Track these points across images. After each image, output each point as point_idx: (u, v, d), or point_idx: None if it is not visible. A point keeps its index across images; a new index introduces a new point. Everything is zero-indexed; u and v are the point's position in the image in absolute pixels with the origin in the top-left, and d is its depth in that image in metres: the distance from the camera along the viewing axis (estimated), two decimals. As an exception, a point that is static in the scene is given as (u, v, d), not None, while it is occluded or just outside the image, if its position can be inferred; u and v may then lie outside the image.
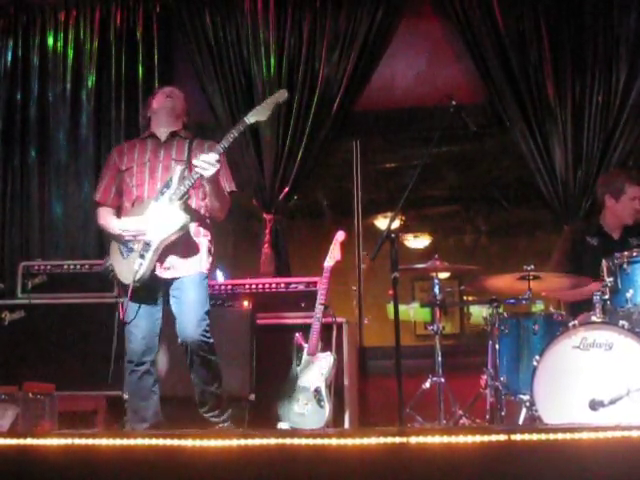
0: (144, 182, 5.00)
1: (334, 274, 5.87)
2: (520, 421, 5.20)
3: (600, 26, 6.78)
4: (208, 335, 4.86)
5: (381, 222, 9.36)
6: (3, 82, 7.50)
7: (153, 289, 4.93)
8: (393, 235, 4.83)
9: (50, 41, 7.51)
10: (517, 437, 3.24)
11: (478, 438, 3.24)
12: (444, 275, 7.14)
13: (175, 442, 3.44)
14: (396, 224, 4.97)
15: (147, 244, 4.82)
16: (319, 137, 7.06)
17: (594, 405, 4.59)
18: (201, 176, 4.77)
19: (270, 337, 6.08)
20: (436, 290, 5.67)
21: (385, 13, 7.08)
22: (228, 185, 5.08)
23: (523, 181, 7.81)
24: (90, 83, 7.42)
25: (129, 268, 4.83)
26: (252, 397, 5.83)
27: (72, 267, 6.50)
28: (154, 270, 4.85)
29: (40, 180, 7.38)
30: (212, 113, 7.27)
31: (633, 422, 3.99)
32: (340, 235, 5.93)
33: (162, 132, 5.13)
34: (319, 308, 5.70)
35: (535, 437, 3.24)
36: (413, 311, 9.22)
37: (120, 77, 7.38)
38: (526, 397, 5.07)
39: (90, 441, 3.52)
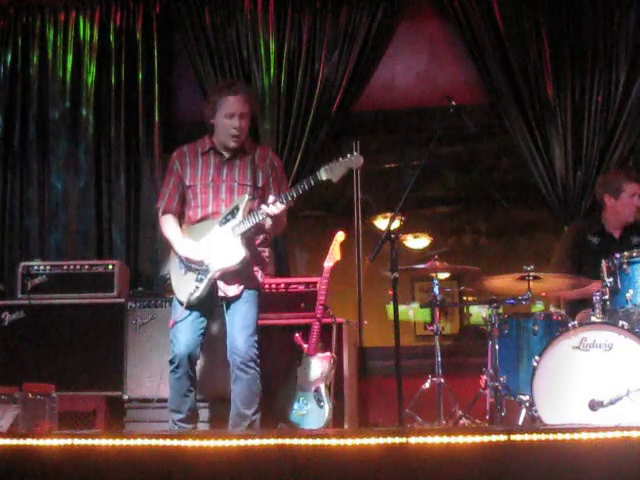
0: (208, 204, 5.11)
1: (334, 274, 5.86)
2: (520, 421, 5.20)
3: (600, 27, 6.78)
4: (256, 352, 5.05)
5: (381, 222, 9.36)
6: (3, 82, 7.50)
7: (207, 304, 5.10)
8: (393, 235, 4.83)
9: (50, 41, 7.50)
10: (517, 437, 3.25)
11: (478, 438, 3.25)
12: (444, 275, 7.14)
13: (175, 442, 3.45)
14: (396, 224, 4.97)
15: (206, 270, 5.01)
16: (319, 137, 7.06)
17: (594, 405, 4.60)
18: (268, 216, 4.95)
19: (270, 337, 6.07)
20: (436, 290, 5.67)
21: (385, 13, 7.09)
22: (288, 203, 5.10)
23: (523, 182, 7.81)
24: (90, 83, 7.40)
25: (185, 286, 5.04)
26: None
27: (72, 268, 6.50)
28: (211, 291, 5.03)
29: (40, 180, 7.37)
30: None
31: (633, 422, 4.00)
32: (340, 235, 5.93)
33: (225, 148, 5.16)
34: (319, 308, 5.70)
35: (535, 437, 3.24)
36: (413, 311, 9.22)
37: (120, 77, 7.37)
38: (526, 397, 5.08)
39: (90, 441, 3.52)
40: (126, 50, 7.39)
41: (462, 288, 7.84)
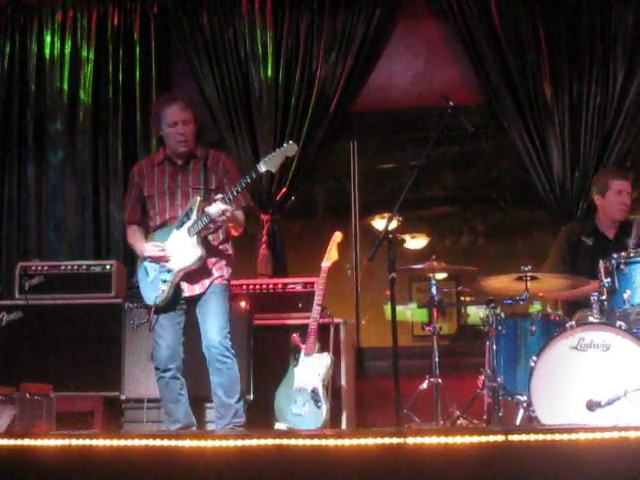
0: (165, 210, 5.33)
1: (331, 275, 5.87)
2: (517, 422, 5.20)
3: (597, 27, 6.79)
4: (230, 343, 5.19)
5: (378, 223, 9.35)
6: (0, 83, 7.49)
7: (175, 304, 5.26)
8: (390, 236, 4.83)
9: (47, 42, 7.50)
10: (514, 438, 3.25)
11: (475, 439, 3.25)
12: (441, 276, 7.14)
13: (172, 443, 3.45)
14: (393, 225, 4.97)
15: (168, 271, 5.20)
16: (316, 138, 7.06)
17: (591, 406, 4.60)
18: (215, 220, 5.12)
19: (267, 338, 6.08)
20: (433, 291, 5.67)
21: (382, 14, 7.09)
22: (244, 201, 5.34)
23: (520, 182, 7.80)
24: (87, 83, 7.41)
25: (152, 290, 5.23)
26: (249, 397, 5.83)
27: (69, 268, 6.50)
28: (176, 291, 5.21)
29: (37, 180, 7.37)
30: (209, 114, 7.25)
31: (630, 423, 3.99)
32: (337, 236, 5.94)
33: (177, 157, 5.35)
34: (316, 309, 5.70)
35: (532, 438, 3.24)
36: (410, 312, 9.22)
37: (117, 78, 7.37)
38: (523, 398, 5.07)
39: (87, 442, 3.52)
40: (124, 50, 7.39)
41: (460, 288, 7.84)
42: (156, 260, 5.22)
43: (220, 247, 5.34)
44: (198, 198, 5.19)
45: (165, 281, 5.18)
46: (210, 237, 5.28)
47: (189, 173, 5.33)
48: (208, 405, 5.69)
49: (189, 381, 5.36)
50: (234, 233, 5.39)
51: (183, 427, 5.19)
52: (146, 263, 5.31)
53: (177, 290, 5.21)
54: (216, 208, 5.03)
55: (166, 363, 5.20)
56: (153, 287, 5.23)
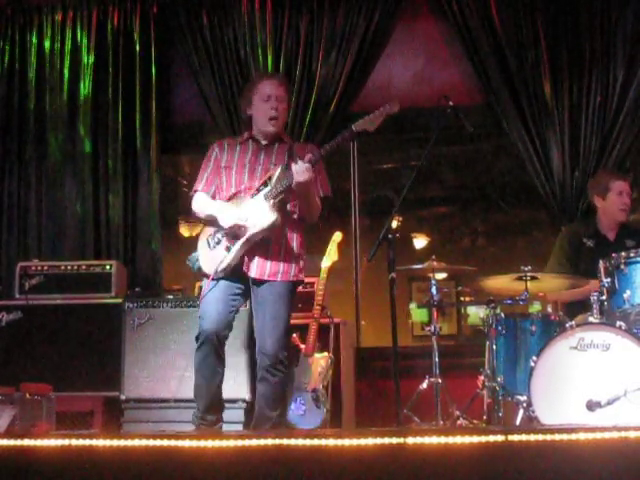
0: (242, 182, 4.97)
1: (331, 275, 5.86)
2: (517, 422, 5.20)
3: (597, 27, 6.78)
4: (285, 354, 4.86)
5: (378, 222, 9.35)
6: (0, 82, 7.49)
7: (237, 278, 4.88)
8: (390, 236, 4.83)
9: (47, 42, 7.49)
10: (514, 438, 3.24)
11: (475, 439, 3.25)
12: (441, 276, 7.14)
13: (172, 443, 3.45)
14: (393, 225, 4.96)
15: (235, 237, 4.82)
16: (316, 138, 7.05)
17: (591, 406, 4.60)
18: (295, 181, 4.74)
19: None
20: (433, 291, 5.67)
21: (382, 14, 7.08)
22: (322, 190, 5.03)
23: (520, 182, 7.81)
24: (87, 84, 7.40)
25: (213, 259, 4.85)
26: (249, 397, 5.83)
27: (69, 268, 6.50)
28: (239, 264, 4.84)
29: (37, 180, 7.36)
30: (209, 113, 7.26)
31: (630, 423, 3.99)
32: (337, 236, 5.94)
33: (263, 137, 5.07)
34: (316, 309, 5.70)
35: (532, 438, 3.24)
36: (411, 311, 9.22)
37: (117, 77, 7.36)
38: (523, 398, 5.07)
39: (87, 442, 3.52)
40: (123, 50, 7.39)
41: (460, 288, 7.83)
42: (226, 226, 4.82)
43: (294, 229, 4.96)
44: (280, 166, 4.84)
45: (230, 248, 4.81)
46: (288, 207, 4.92)
47: (273, 153, 5.03)
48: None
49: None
50: (307, 218, 5.01)
51: (206, 410, 4.84)
52: (209, 236, 4.95)
53: (240, 261, 4.82)
54: (300, 165, 4.68)
55: (207, 335, 4.78)
56: (216, 255, 4.84)
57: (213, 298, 4.84)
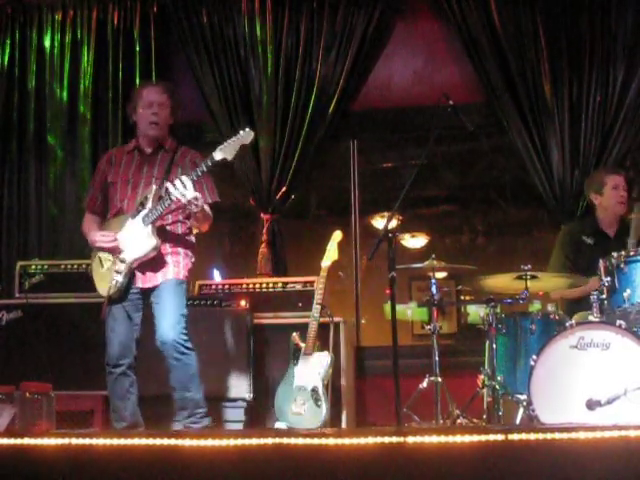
0: (125, 198, 5.23)
1: (331, 274, 5.86)
2: (517, 421, 5.20)
3: (597, 26, 6.78)
4: (185, 338, 5.03)
5: (378, 222, 9.35)
6: (0, 81, 7.49)
7: (130, 297, 5.14)
8: (390, 235, 4.83)
9: (47, 40, 7.50)
10: (514, 437, 3.25)
11: (475, 438, 3.25)
12: (441, 275, 7.13)
13: (172, 442, 3.45)
14: (393, 224, 4.96)
15: (122, 261, 5.10)
16: (316, 136, 7.06)
17: (591, 405, 4.59)
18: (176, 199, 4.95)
19: (267, 337, 6.09)
20: (433, 290, 5.66)
21: (382, 13, 7.09)
22: (210, 197, 5.20)
23: (520, 181, 7.80)
24: (87, 82, 7.41)
25: (105, 280, 5.16)
26: (249, 397, 5.83)
27: (69, 267, 6.50)
28: (130, 282, 5.11)
29: (37, 179, 7.37)
30: (209, 112, 7.26)
31: (630, 422, 4.00)
32: (337, 235, 5.93)
33: (147, 144, 5.29)
34: (316, 308, 5.70)
35: (532, 437, 3.24)
36: (410, 311, 9.21)
37: (117, 76, 7.37)
38: (523, 397, 5.07)
39: (87, 441, 3.52)
40: (123, 50, 7.39)
41: (459, 287, 7.83)
42: (108, 250, 5.14)
43: (179, 239, 5.21)
44: (154, 187, 5.09)
45: (119, 272, 5.07)
46: (168, 228, 5.17)
47: (155, 164, 5.25)
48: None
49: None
50: (201, 228, 5.25)
51: (128, 426, 5.05)
52: (100, 254, 5.23)
53: (130, 281, 5.11)
54: (177, 187, 4.87)
55: (117, 359, 5.07)
56: (106, 277, 5.14)
57: (114, 324, 5.13)
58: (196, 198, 4.92)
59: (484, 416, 5.42)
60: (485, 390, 5.39)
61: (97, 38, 7.43)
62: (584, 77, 6.76)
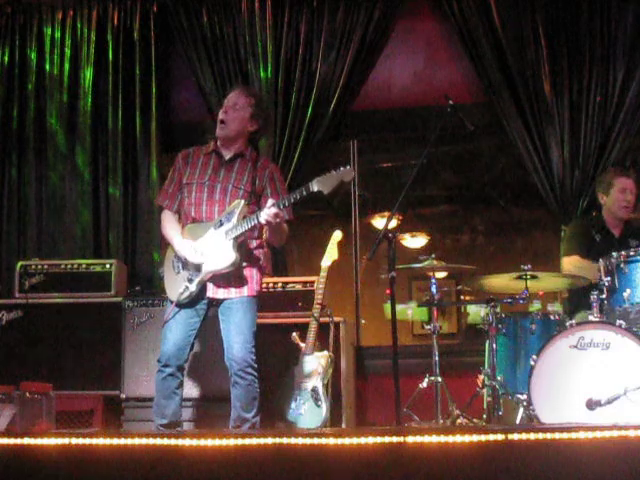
0: (202, 203, 5.16)
1: (331, 274, 5.86)
2: (517, 420, 5.20)
3: (597, 25, 6.78)
4: (254, 358, 5.04)
5: (378, 222, 9.36)
6: (0, 81, 7.49)
7: (197, 303, 5.11)
8: (390, 235, 4.83)
9: (47, 40, 7.50)
10: (514, 437, 3.25)
11: (475, 437, 3.25)
12: (441, 275, 7.14)
13: (173, 441, 3.45)
14: (393, 224, 4.96)
15: (197, 270, 5.04)
16: (316, 136, 7.06)
17: (591, 404, 4.60)
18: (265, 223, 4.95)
19: (267, 336, 6.07)
20: (433, 290, 5.66)
21: (382, 13, 7.09)
22: (287, 215, 5.11)
23: (520, 181, 7.82)
24: (87, 82, 7.40)
25: (176, 285, 5.09)
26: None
27: (69, 267, 6.51)
28: (201, 290, 5.06)
29: (37, 179, 7.37)
30: (209, 112, 7.26)
31: (630, 421, 4.00)
32: (337, 235, 5.93)
33: (225, 148, 5.23)
34: (316, 308, 5.70)
35: (532, 437, 3.24)
36: (411, 311, 9.22)
37: (117, 76, 7.37)
38: (523, 396, 5.07)
39: (87, 441, 3.52)
40: (123, 49, 7.39)
41: (460, 287, 7.84)
42: (186, 259, 5.07)
43: (254, 254, 5.17)
44: (242, 202, 5.02)
45: (192, 280, 5.03)
46: (246, 242, 5.12)
47: (233, 170, 5.17)
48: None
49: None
50: (274, 243, 5.28)
51: (168, 424, 5.06)
52: (174, 260, 5.17)
53: (202, 289, 5.06)
54: (269, 213, 4.85)
55: (169, 359, 5.04)
56: (178, 282, 5.08)
57: (174, 325, 5.09)
58: (278, 217, 4.91)
59: (484, 416, 5.43)
60: (485, 390, 5.40)
61: (97, 38, 7.43)
62: (584, 76, 6.76)
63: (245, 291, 5.08)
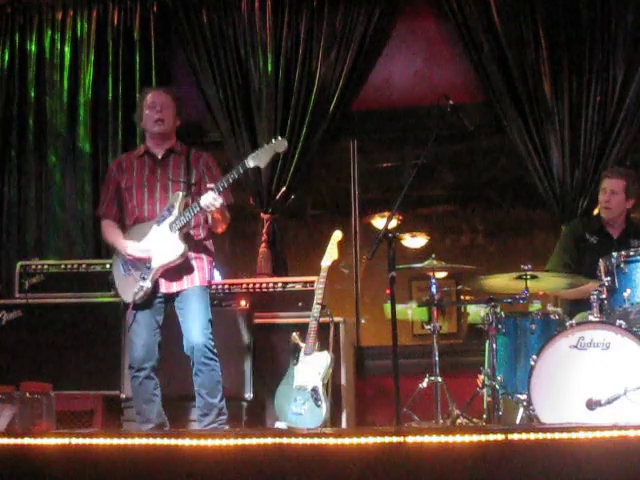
0: (143, 203, 5.28)
1: (331, 273, 5.86)
2: (517, 421, 5.20)
3: (597, 25, 6.78)
4: (212, 343, 5.14)
5: (378, 222, 9.36)
6: (0, 82, 7.49)
7: (153, 301, 5.20)
8: (390, 235, 4.84)
9: (47, 40, 7.50)
10: (514, 437, 3.25)
11: (475, 437, 3.25)
12: (441, 275, 7.14)
13: (172, 441, 3.45)
14: (393, 224, 4.97)
15: (148, 268, 5.15)
16: (316, 136, 7.06)
17: (591, 404, 4.60)
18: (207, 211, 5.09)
19: (267, 336, 6.08)
20: (433, 290, 5.66)
21: (382, 12, 7.09)
22: (225, 201, 5.19)
23: (520, 181, 7.81)
24: (87, 82, 7.40)
25: (129, 287, 5.19)
26: (249, 396, 5.83)
27: (69, 267, 6.50)
28: (154, 287, 5.16)
29: (37, 179, 7.37)
30: (209, 112, 7.26)
31: (630, 421, 4.00)
32: (337, 234, 5.93)
33: (157, 147, 5.36)
34: (316, 307, 5.70)
35: (532, 437, 3.25)
36: (410, 310, 9.22)
37: (117, 76, 7.37)
38: (523, 396, 5.07)
39: (87, 441, 3.52)
40: (123, 49, 7.39)
41: (460, 287, 7.84)
42: (136, 259, 5.17)
43: (202, 244, 5.29)
44: (180, 193, 5.18)
45: (144, 278, 5.12)
46: (191, 232, 5.23)
47: (169, 167, 5.31)
48: (192, 404, 5.59)
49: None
50: (218, 230, 5.33)
51: (155, 427, 5.12)
52: (122, 259, 5.27)
53: (155, 286, 5.16)
54: (208, 198, 5.00)
55: (141, 362, 5.15)
56: (130, 284, 5.18)
57: (137, 328, 5.21)
58: (217, 201, 5.02)
59: (484, 416, 5.43)
60: (485, 390, 5.39)
61: (97, 38, 7.43)
62: (584, 76, 6.76)
63: (197, 281, 5.20)
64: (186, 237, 5.15)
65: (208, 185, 5.09)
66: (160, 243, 5.13)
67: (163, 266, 5.12)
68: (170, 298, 5.22)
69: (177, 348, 5.21)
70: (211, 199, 4.99)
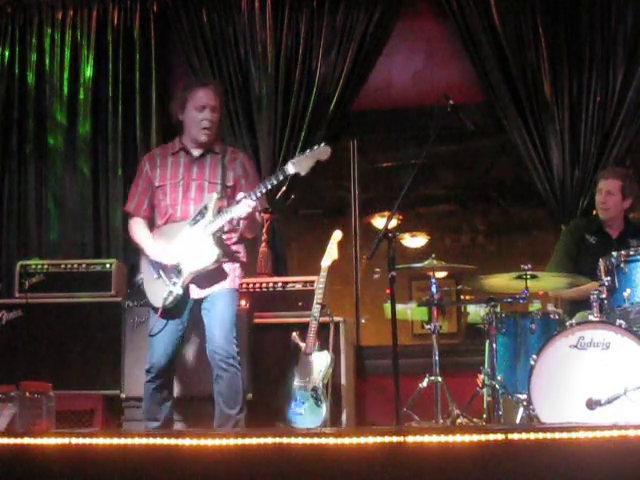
0: (177, 202, 5.06)
1: (331, 273, 5.87)
2: (517, 420, 5.20)
3: (597, 25, 6.79)
4: (237, 350, 4.95)
5: (378, 221, 9.36)
6: (0, 81, 7.49)
7: (183, 307, 5.02)
8: (390, 234, 4.83)
9: (47, 40, 7.50)
10: (514, 436, 3.25)
11: (475, 437, 3.25)
12: (441, 274, 7.14)
13: (172, 441, 3.44)
14: (393, 223, 4.96)
15: (179, 271, 4.94)
16: (316, 136, 7.05)
17: (591, 404, 4.60)
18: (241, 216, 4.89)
19: (267, 336, 6.08)
20: (433, 289, 5.66)
21: (382, 12, 7.09)
22: (260, 205, 5.04)
23: (520, 180, 7.82)
24: (87, 82, 7.41)
25: (158, 291, 4.97)
26: (249, 396, 5.83)
27: (69, 266, 6.50)
28: (185, 293, 4.96)
29: (37, 178, 7.37)
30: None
31: (630, 421, 4.00)
32: (337, 234, 5.93)
33: (195, 146, 5.12)
34: (316, 307, 5.70)
35: (532, 436, 3.24)
36: (410, 310, 9.22)
37: (117, 76, 7.37)
38: (523, 396, 5.07)
39: (87, 440, 3.52)
40: (123, 49, 7.39)
41: (460, 287, 7.85)
42: (165, 264, 4.97)
43: (233, 248, 5.09)
44: (215, 195, 4.92)
45: (175, 283, 4.92)
46: (224, 237, 5.02)
47: (205, 166, 5.07)
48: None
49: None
50: (248, 235, 5.17)
51: (161, 426, 5.02)
52: (153, 263, 5.04)
53: (185, 292, 4.96)
54: (244, 206, 4.79)
55: (160, 370, 5.00)
56: (160, 287, 4.97)
57: (161, 337, 4.98)
58: (252, 207, 4.83)
59: (484, 416, 5.43)
60: (485, 390, 5.40)
61: (97, 38, 7.43)
62: (584, 76, 6.76)
63: (227, 284, 5.00)
64: (219, 241, 4.93)
65: (240, 193, 4.88)
66: (193, 247, 4.90)
67: (197, 272, 4.91)
68: (199, 301, 5.02)
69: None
70: (246, 207, 4.79)
